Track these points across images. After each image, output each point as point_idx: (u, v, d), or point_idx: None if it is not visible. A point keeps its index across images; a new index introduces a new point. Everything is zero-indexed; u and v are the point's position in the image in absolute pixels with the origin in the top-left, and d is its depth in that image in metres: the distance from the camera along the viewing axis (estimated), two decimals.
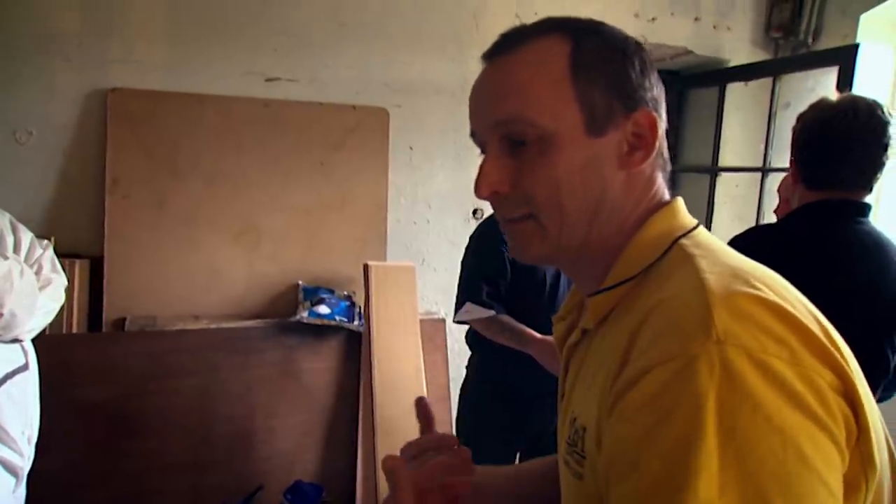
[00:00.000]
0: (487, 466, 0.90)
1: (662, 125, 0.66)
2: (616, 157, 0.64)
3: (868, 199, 1.41)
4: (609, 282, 0.65)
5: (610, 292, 0.64)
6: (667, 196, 0.69)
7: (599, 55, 0.64)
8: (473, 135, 0.69)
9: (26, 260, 1.31)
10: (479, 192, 0.66)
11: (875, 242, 1.38)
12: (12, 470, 1.31)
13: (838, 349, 0.52)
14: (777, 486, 0.45)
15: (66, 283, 1.44)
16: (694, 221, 0.67)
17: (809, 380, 0.48)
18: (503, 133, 0.64)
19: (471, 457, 0.81)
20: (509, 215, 0.67)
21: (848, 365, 0.51)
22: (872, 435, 0.50)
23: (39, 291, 1.31)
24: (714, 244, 0.63)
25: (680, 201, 0.69)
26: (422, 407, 0.84)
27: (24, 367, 1.34)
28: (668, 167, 0.70)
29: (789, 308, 0.51)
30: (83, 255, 2.28)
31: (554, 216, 0.64)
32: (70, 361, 2.14)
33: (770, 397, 0.46)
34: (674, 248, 0.63)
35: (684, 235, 0.64)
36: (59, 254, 2.17)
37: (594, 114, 0.63)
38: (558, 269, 1.92)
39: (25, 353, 1.37)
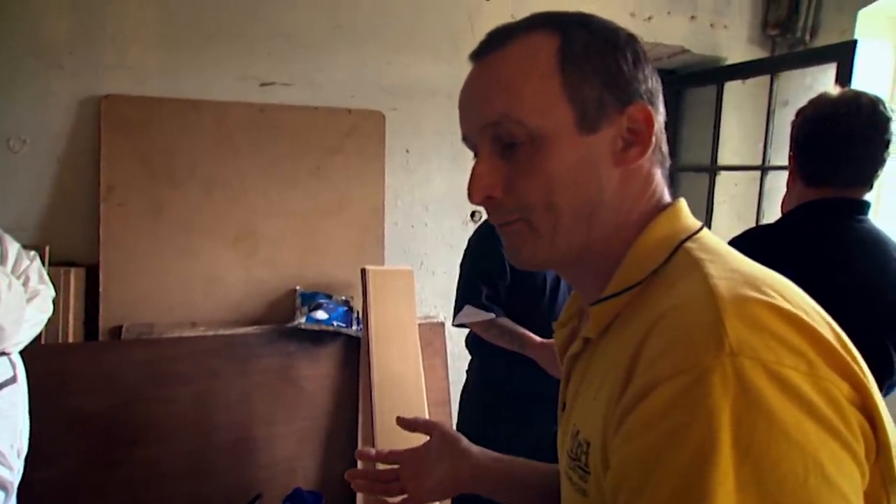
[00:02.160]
0: (495, 453, 0.94)
1: (660, 119, 0.63)
2: (611, 154, 0.61)
3: (868, 196, 1.39)
4: (611, 289, 0.62)
5: (613, 300, 0.61)
6: (667, 195, 0.66)
7: (589, 49, 0.61)
8: (465, 139, 0.67)
9: (13, 271, 1.29)
10: (471, 197, 0.64)
11: (875, 241, 1.36)
12: (1, 484, 1.29)
13: (854, 359, 0.49)
14: None
15: (53, 294, 1.42)
16: (698, 223, 0.64)
17: (828, 393, 0.46)
18: (493, 134, 0.62)
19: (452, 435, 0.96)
20: (503, 220, 0.64)
21: (865, 376, 0.48)
22: (893, 451, 0.48)
23: (27, 303, 1.30)
24: (721, 248, 0.60)
25: (682, 202, 0.66)
26: (405, 423, 0.95)
27: (13, 380, 1.33)
28: (667, 163, 0.67)
29: (804, 317, 0.49)
30: (79, 263, 2.27)
31: (546, 217, 0.61)
32: (66, 371, 2.12)
33: (788, 412, 0.44)
34: (679, 252, 0.60)
35: (689, 238, 0.61)
36: (54, 262, 2.18)
37: (585, 110, 0.60)
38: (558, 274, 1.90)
39: (13, 365, 1.35)
